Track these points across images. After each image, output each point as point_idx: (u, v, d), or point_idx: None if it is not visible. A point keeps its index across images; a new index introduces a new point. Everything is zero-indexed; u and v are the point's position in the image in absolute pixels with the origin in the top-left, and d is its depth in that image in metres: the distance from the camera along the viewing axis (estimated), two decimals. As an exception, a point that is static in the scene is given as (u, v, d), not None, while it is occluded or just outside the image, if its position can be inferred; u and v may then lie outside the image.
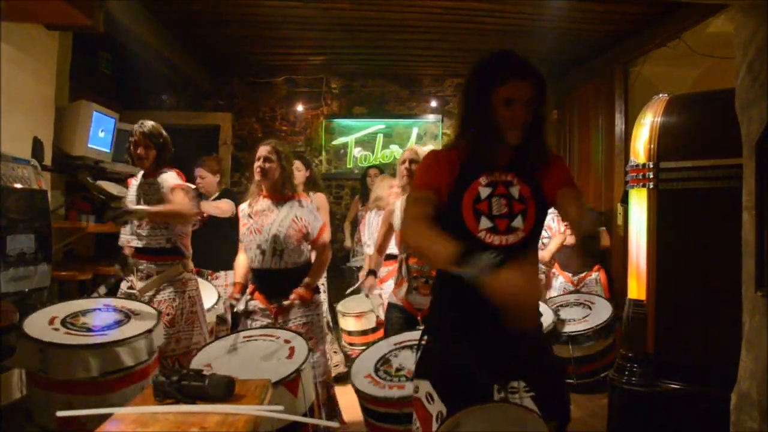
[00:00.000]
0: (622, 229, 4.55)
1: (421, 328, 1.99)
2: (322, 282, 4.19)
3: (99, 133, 4.09)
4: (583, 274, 4.49)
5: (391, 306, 2.83)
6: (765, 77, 2.10)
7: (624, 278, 3.04)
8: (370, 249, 3.99)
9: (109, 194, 2.79)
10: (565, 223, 1.74)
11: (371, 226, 4.19)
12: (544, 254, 4.35)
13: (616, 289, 4.42)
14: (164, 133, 2.98)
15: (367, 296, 3.32)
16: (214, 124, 5.90)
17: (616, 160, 4.87)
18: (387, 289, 3.43)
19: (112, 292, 3.02)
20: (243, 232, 2.82)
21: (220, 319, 3.42)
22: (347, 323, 4.19)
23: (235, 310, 2.80)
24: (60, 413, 1.69)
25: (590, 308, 4.10)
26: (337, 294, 4.41)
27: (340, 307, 4.21)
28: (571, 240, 4.35)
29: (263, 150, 2.79)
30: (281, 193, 2.83)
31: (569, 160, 5.66)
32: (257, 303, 2.78)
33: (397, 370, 2.36)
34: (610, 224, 4.88)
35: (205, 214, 3.80)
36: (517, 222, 1.48)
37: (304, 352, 2.37)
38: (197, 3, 4.05)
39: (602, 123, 5.12)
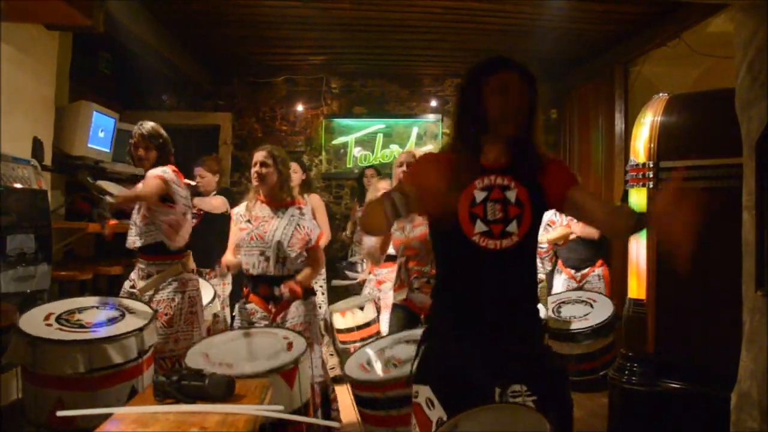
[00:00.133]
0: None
1: (424, 327, 1.99)
2: (320, 284, 4.20)
3: (99, 133, 4.09)
4: (586, 270, 4.42)
5: (394, 307, 2.84)
6: (765, 77, 2.10)
7: (624, 278, 3.04)
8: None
9: (109, 194, 2.78)
10: (594, 223, 1.72)
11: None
12: (542, 237, 4.19)
13: (615, 289, 4.40)
14: (164, 133, 2.98)
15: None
16: (214, 124, 5.89)
17: (616, 159, 4.87)
18: (387, 290, 3.43)
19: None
20: (242, 237, 2.77)
21: (216, 317, 3.43)
22: (339, 321, 4.16)
23: (234, 314, 2.79)
24: (60, 413, 1.70)
25: (591, 306, 4.09)
26: (335, 297, 4.39)
27: (332, 307, 4.19)
28: (577, 233, 4.28)
29: (259, 155, 2.78)
30: (280, 198, 2.82)
31: (569, 160, 5.64)
32: (254, 306, 2.77)
33: (388, 359, 2.37)
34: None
35: (200, 211, 3.93)
36: (512, 227, 1.48)
37: (302, 347, 2.38)
38: (197, 3, 4.05)
39: (602, 123, 5.11)
